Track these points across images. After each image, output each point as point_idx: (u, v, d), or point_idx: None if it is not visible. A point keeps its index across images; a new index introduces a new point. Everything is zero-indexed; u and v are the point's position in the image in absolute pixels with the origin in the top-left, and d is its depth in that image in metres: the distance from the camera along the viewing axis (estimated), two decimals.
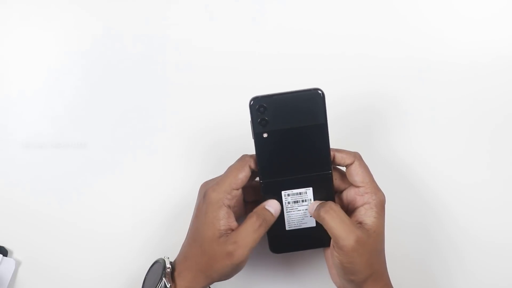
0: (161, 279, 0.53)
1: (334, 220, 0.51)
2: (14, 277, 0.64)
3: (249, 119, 0.53)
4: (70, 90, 0.66)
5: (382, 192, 0.54)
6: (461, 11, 0.66)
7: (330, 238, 0.55)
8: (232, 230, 0.53)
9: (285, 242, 0.57)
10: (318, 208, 0.53)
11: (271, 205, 0.54)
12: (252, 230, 0.52)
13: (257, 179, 0.55)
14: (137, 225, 0.64)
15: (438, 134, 0.65)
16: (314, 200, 0.55)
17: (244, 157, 0.54)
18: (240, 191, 0.54)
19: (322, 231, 0.54)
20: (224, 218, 0.52)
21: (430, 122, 0.65)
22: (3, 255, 0.63)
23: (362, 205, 0.53)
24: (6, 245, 0.64)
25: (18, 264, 0.64)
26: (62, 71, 0.66)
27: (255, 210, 0.54)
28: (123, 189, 0.65)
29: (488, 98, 0.65)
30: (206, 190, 0.54)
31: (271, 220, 0.53)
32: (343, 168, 0.56)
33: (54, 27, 0.66)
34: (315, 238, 0.56)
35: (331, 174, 0.54)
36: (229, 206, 0.53)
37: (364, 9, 0.66)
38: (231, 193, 0.53)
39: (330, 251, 0.53)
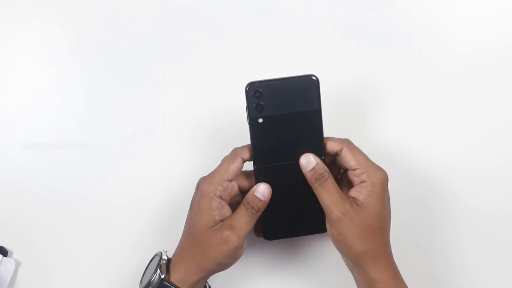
0: (155, 270, 0.54)
1: (325, 192, 0.52)
2: (14, 277, 0.63)
3: (245, 104, 0.53)
4: (69, 90, 0.66)
5: (382, 170, 0.54)
6: (455, 7, 0.67)
7: (324, 225, 0.56)
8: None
9: (278, 228, 0.57)
10: (314, 178, 0.53)
11: (260, 191, 0.54)
12: (245, 215, 0.53)
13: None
14: (138, 224, 0.64)
15: (431, 120, 0.65)
16: None
17: (235, 149, 0.55)
18: (233, 183, 0.54)
19: (317, 217, 0.55)
20: (217, 209, 0.53)
21: (423, 108, 0.65)
22: (3, 255, 0.63)
23: (359, 184, 0.53)
24: (6, 245, 0.64)
25: (18, 264, 0.64)
26: (61, 71, 0.66)
27: (245, 197, 0.54)
28: (123, 189, 0.65)
29: (482, 87, 0.65)
30: (200, 182, 0.55)
31: (262, 205, 0.54)
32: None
33: (54, 27, 0.67)
34: (309, 224, 0.57)
35: (324, 160, 0.54)
36: (221, 197, 0.53)
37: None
38: (223, 184, 0.53)
39: (326, 225, 0.54)
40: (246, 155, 0.54)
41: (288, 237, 0.59)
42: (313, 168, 0.53)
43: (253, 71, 0.64)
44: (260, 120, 0.53)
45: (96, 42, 0.66)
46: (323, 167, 0.53)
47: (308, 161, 0.53)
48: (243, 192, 0.56)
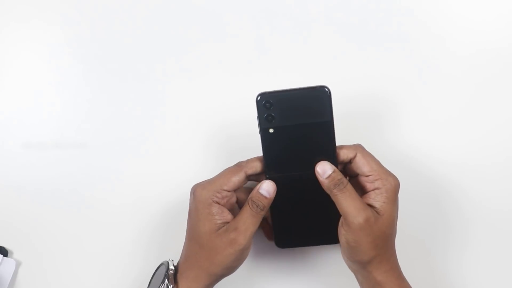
0: (163, 281, 0.53)
1: (346, 198, 0.52)
2: (14, 277, 0.64)
3: (256, 114, 0.53)
4: (70, 90, 0.66)
5: (394, 177, 0.54)
6: (461, 10, 0.67)
7: (337, 236, 0.56)
8: (228, 222, 0.53)
9: (291, 237, 0.57)
10: (332, 184, 0.53)
11: (264, 188, 0.54)
12: (250, 215, 0.53)
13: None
14: (139, 226, 0.64)
15: (442, 125, 0.65)
16: None
17: (240, 163, 0.55)
18: (232, 193, 0.54)
19: (330, 227, 0.55)
20: (218, 214, 0.53)
21: (432, 113, 0.66)
22: (3, 256, 0.63)
23: (372, 190, 0.54)
24: (6, 245, 0.64)
25: (18, 264, 0.64)
26: (62, 71, 0.66)
27: (250, 195, 0.54)
28: (124, 189, 0.65)
29: (487, 89, 0.66)
30: (195, 189, 0.55)
31: (267, 203, 0.53)
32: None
33: (54, 27, 0.66)
34: (321, 235, 0.57)
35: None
36: (218, 203, 0.53)
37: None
38: (221, 192, 0.53)
39: (339, 230, 0.54)
40: (250, 170, 0.54)
41: (300, 246, 0.59)
42: (330, 175, 0.53)
43: (263, 80, 0.64)
44: (271, 130, 0.53)
45: (97, 41, 0.66)
46: (339, 173, 0.53)
47: (324, 169, 0.53)
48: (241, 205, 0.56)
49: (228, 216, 0.54)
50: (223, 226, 0.53)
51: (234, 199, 0.55)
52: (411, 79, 0.65)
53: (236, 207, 0.56)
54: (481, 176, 0.64)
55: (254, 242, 0.61)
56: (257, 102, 0.53)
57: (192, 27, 0.66)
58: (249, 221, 0.53)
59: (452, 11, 0.66)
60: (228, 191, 0.54)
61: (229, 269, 0.54)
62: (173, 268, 0.55)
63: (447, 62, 0.65)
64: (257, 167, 0.54)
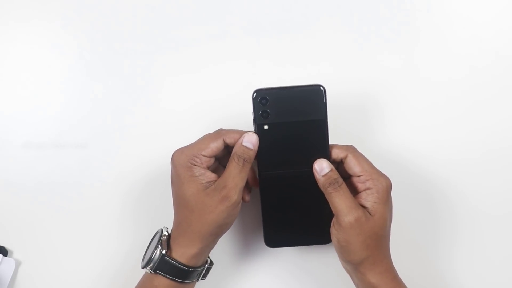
0: (156, 246, 0.54)
1: (339, 197, 0.52)
2: (14, 277, 0.64)
3: (251, 111, 0.53)
4: (70, 90, 0.66)
5: (386, 177, 0.54)
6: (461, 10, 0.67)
7: (328, 235, 0.56)
8: (214, 181, 0.53)
9: (281, 236, 0.58)
10: (328, 183, 0.53)
11: (247, 140, 0.54)
12: (237, 171, 0.53)
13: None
14: (139, 226, 0.64)
15: (435, 126, 0.65)
16: None
17: (220, 130, 0.55)
18: (210, 159, 0.54)
19: (321, 227, 0.55)
20: (200, 174, 0.53)
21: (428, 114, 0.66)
22: (3, 255, 0.63)
23: (364, 191, 0.54)
24: (6, 245, 0.64)
25: (18, 264, 0.64)
26: (62, 71, 0.66)
27: (233, 151, 0.54)
28: (124, 189, 0.65)
29: (484, 93, 0.66)
30: (174, 154, 0.55)
31: (253, 154, 0.54)
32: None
33: (54, 27, 0.66)
34: (312, 234, 0.57)
35: None
36: (197, 166, 0.53)
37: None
38: (199, 157, 0.53)
39: (331, 230, 0.54)
40: (229, 139, 0.54)
41: (290, 246, 0.60)
42: (327, 174, 0.53)
43: (258, 74, 0.64)
44: (266, 127, 0.54)
45: (97, 40, 0.66)
46: (336, 172, 0.53)
47: (322, 167, 0.53)
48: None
49: (211, 175, 0.54)
50: (210, 185, 0.53)
51: (213, 166, 0.55)
52: (402, 79, 0.65)
53: (218, 171, 0.56)
54: (470, 171, 0.64)
55: (246, 242, 0.62)
56: (253, 98, 0.53)
57: (192, 23, 0.66)
58: (237, 177, 0.53)
59: (451, 11, 0.66)
60: (206, 156, 0.54)
61: (222, 227, 0.54)
62: (166, 234, 0.55)
63: (440, 63, 0.65)
64: (236, 137, 0.54)
